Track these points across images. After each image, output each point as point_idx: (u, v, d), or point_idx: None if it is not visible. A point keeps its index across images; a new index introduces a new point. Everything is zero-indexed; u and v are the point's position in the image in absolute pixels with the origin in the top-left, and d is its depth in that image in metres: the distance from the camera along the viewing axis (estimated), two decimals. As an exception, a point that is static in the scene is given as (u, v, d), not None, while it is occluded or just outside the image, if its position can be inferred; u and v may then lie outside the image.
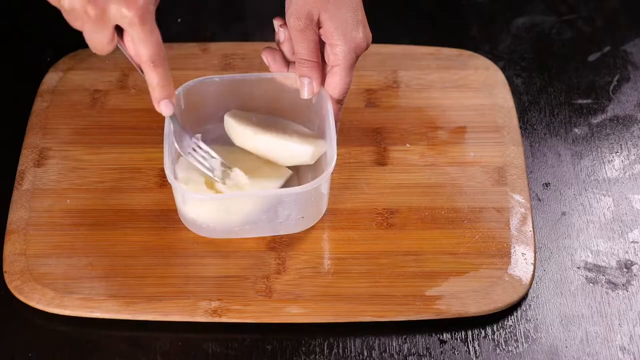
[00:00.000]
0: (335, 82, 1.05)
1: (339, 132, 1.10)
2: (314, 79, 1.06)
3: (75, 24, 0.95)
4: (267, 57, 1.08)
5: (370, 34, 1.06)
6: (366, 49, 1.06)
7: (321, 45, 1.06)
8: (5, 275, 1.07)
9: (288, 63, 1.09)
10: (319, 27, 1.04)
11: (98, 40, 0.96)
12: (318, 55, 1.05)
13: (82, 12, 0.93)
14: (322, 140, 1.09)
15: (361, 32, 1.04)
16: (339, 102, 1.07)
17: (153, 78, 0.99)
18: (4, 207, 1.12)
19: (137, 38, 0.96)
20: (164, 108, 1.01)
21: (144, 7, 0.93)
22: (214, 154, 1.08)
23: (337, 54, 1.04)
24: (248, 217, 1.07)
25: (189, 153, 1.08)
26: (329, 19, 1.03)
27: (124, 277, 1.07)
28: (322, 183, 1.06)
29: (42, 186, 1.14)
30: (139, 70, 1.00)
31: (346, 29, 1.04)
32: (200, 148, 1.08)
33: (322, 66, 1.07)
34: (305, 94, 1.07)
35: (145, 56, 0.97)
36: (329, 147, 1.06)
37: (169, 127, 1.06)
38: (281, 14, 1.07)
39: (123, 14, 0.93)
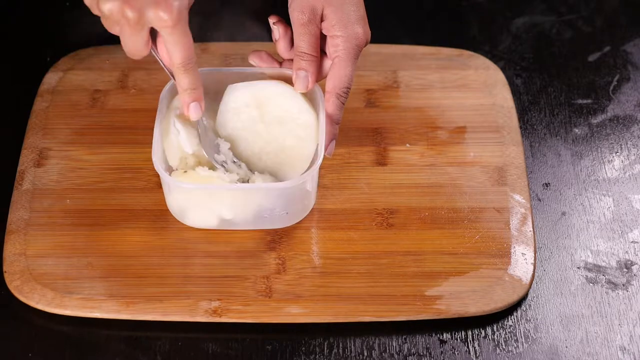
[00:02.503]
0: (335, 74, 1.06)
1: (339, 131, 1.10)
2: (311, 73, 1.06)
3: (114, 29, 0.99)
4: (254, 60, 1.10)
5: (370, 31, 1.07)
6: (366, 44, 1.07)
7: (322, 42, 1.07)
8: (5, 275, 1.07)
9: (280, 61, 1.10)
10: (321, 21, 1.05)
11: (134, 43, 1.00)
12: (318, 50, 1.06)
13: (119, 15, 0.97)
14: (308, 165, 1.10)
15: (362, 27, 1.06)
16: (339, 98, 1.06)
17: (183, 81, 1.02)
18: (4, 207, 1.12)
19: (170, 41, 0.99)
20: (193, 111, 1.04)
21: (178, 11, 0.97)
22: (241, 163, 1.09)
23: (337, 44, 1.05)
24: (231, 209, 1.08)
25: (215, 160, 1.08)
26: (332, 12, 1.05)
27: (123, 277, 1.07)
28: (307, 180, 1.06)
29: (42, 186, 1.14)
30: (171, 76, 1.04)
31: (348, 22, 1.05)
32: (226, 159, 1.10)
33: (320, 63, 1.07)
34: (299, 87, 1.07)
35: (177, 59, 1.00)
36: (319, 145, 1.06)
37: (160, 114, 1.07)
38: (279, 12, 1.07)
39: (159, 17, 0.97)
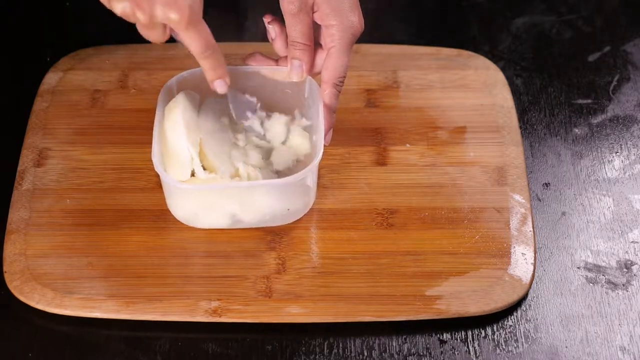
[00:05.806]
0: (332, 64, 1.06)
1: (339, 131, 1.10)
2: (305, 62, 1.07)
3: (130, 20, 1.00)
4: (251, 64, 1.11)
5: (363, 20, 1.07)
6: (361, 33, 1.07)
7: (317, 32, 1.07)
8: (6, 275, 1.07)
9: (276, 60, 1.10)
10: (314, 11, 1.05)
11: (152, 36, 1.02)
12: (311, 39, 1.06)
13: (131, 16, 0.98)
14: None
15: (357, 15, 1.06)
16: (336, 88, 1.07)
17: (205, 65, 1.04)
18: (4, 207, 1.12)
19: (184, 37, 1.01)
20: (218, 86, 1.06)
21: (189, 10, 0.98)
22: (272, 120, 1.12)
23: (333, 34, 1.05)
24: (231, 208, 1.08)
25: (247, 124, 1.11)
26: (325, 1, 1.05)
27: (123, 277, 1.07)
28: (307, 175, 1.06)
29: (42, 186, 1.14)
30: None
31: (342, 10, 1.05)
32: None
33: (314, 53, 1.08)
34: (294, 77, 1.08)
35: (194, 50, 1.02)
36: (318, 140, 1.07)
37: (159, 114, 1.08)
38: (278, 13, 1.07)
39: (169, 17, 0.98)
